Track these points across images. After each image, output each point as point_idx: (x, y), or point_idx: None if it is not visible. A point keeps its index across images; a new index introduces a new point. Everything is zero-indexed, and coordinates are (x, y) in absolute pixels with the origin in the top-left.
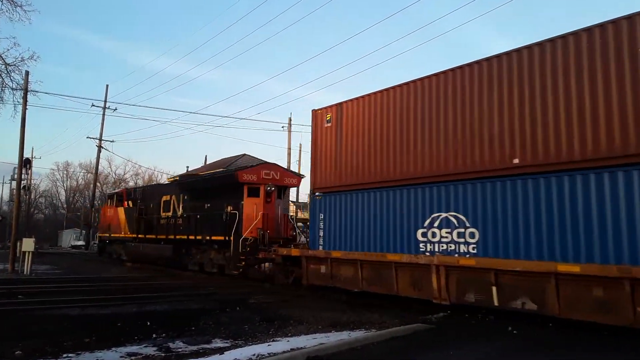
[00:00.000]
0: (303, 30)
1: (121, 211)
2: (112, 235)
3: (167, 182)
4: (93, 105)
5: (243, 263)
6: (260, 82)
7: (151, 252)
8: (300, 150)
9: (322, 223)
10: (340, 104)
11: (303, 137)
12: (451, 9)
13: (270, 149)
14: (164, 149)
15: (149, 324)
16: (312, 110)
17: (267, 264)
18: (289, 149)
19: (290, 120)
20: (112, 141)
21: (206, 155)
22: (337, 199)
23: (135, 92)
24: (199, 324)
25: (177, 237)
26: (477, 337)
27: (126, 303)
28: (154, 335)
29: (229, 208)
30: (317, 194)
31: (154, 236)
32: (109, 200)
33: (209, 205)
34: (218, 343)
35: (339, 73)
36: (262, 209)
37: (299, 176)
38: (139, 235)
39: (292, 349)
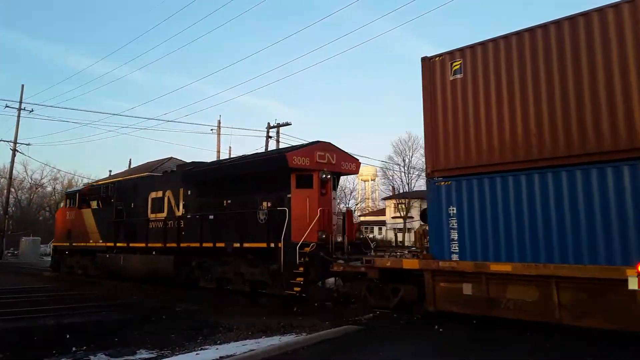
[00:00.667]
0: (231, 33)
1: (87, 214)
2: (74, 244)
3: (155, 175)
4: (7, 106)
5: (301, 279)
6: (188, 83)
7: (139, 265)
8: (229, 154)
9: (454, 221)
10: (483, 43)
11: (233, 140)
12: (374, 17)
13: (198, 152)
14: (84, 153)
15: (68, 337)
16: (424, 59)
17: (332, 279)
18: (219, 152)
19: (219, 122)
20: (28, 144)
21: (130, 159)
22: (483, 184)
23: (54, 93)
24: (122, 335)
25: (182, 245)
26: (405, 336)
27: (44, 315)
28: (73, 349)
29: (266, 204)
30: (437, 178)
31: (142, 244)
32: (68, 201)
33: (229, 201)
34: (143, 354)
35: (269, 76)
36: (317, 204)
37: (358, 160)
38: (118, 244)
39: (221, 357)
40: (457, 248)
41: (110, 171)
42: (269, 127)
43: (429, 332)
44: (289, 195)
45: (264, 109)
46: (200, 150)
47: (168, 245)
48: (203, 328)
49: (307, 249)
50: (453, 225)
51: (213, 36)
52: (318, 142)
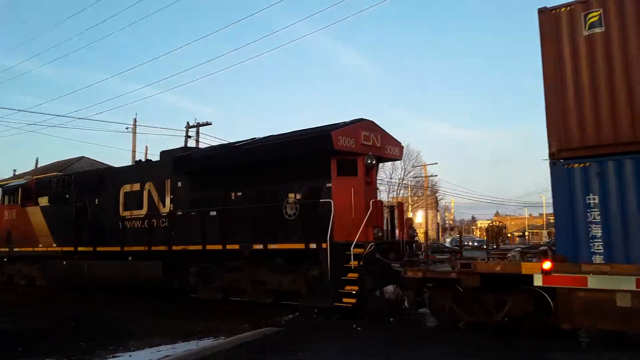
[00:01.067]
0: (149, 29)
1: (35, 212)
2: (15, 249)
3: (129, 165)
4: None
5: (355, 288)
6: (102, 79)
7: (113, 273)
8: (146, 154)
9: (596, 213)
10: None
11: (149, 140)
12: (294, 20)
13: (112, 152)
14: None
15: None
16: (542, 10)
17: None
18: (134, 151)
19: (135, 121)
20: None
21: (37, 158)
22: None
23: None
24: (29, 344)
25: (175, 248)
26: (324, 336)
27: None
28: None
29: (294, 196)
30: (567, 159)
31: (116, 248)
32: (7, 198)
33: (239, 194)
34: None
35: (188, 75)
36: (364, 195)
37: (401, 144)
38: (80, 249)
39: None
40: (601, 247)
41: (14, 171)
42: (189, 126)
43: (346, 331)
44: (328, 185)
45: (183, 109)
46: (115, 149)
47: (154, 248)
48: (117, 335)
49: (359, 250)
50: (594, 218)
51: (131, 31)
52: (362, 119)
